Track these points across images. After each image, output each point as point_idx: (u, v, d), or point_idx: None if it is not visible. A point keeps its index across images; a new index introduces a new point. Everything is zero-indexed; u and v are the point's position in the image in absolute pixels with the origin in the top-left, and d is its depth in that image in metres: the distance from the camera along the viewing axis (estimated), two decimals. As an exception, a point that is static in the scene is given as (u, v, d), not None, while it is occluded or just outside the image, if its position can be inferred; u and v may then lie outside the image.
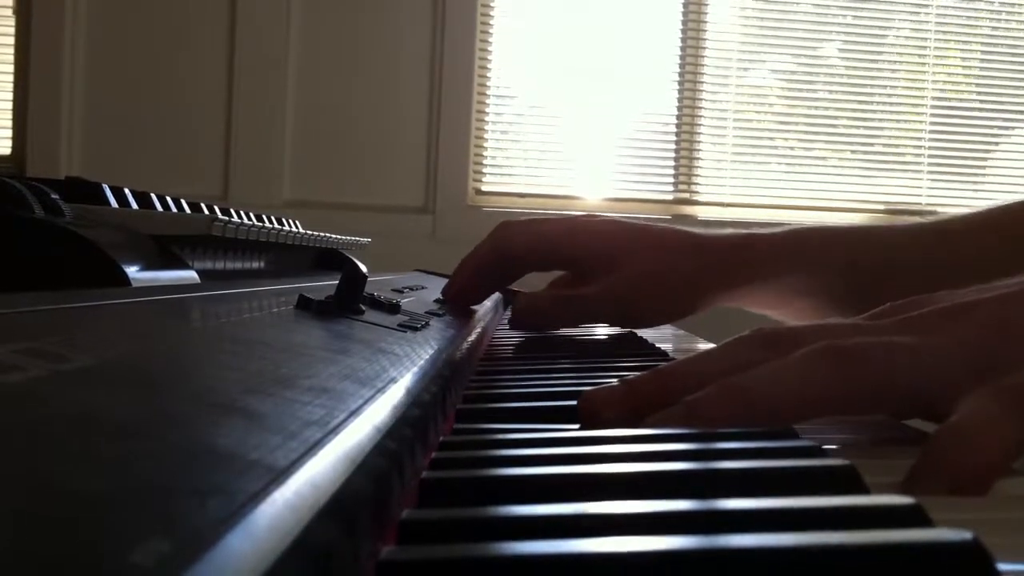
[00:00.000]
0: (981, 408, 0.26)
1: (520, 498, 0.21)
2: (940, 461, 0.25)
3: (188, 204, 0.59)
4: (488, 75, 2.03)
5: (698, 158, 2.06)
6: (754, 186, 2.07)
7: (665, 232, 0.62)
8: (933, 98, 2.13)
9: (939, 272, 0.55)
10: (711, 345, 0.62)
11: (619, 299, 0.59)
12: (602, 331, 0.74)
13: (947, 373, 0.28)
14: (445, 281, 0.64)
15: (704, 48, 2.08)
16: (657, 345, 0.59)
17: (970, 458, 0.25)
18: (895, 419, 0.33)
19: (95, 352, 0.19)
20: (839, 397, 0.29)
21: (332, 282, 0.42)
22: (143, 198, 0.56)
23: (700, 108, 2.06)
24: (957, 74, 2.15)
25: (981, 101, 2.14)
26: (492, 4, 2.02)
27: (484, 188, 1.95)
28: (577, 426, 0.31)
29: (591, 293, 0.59)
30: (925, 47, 2.10)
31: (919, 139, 2.12)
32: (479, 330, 0.57)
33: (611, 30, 2.08)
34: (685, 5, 2.08)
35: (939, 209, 2.09)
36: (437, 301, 0.61)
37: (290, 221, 0.75)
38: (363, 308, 0.41)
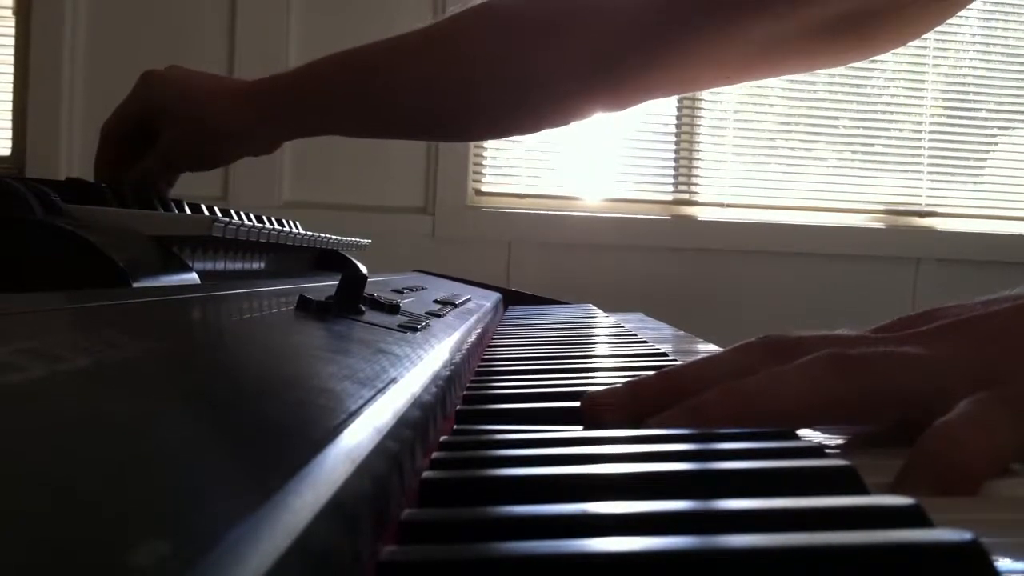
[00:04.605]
0: (974, 411, 0.26)
1: (521, 498, 0.21)
2: (928, 458, 0.25)
3: (188, 205, 0.59)
4: (488, 75, 2.02)
5: (698, 158, 2.06)
6: (754, 186, 2.07)
7: (210, 81, 0.70)
8: (933, 98, 2.13)
9: None
10: (711, 346, 0.62)
11: (176, 148, 0.68)
12: (602, 331, 0.74)
13: (948, 383, 0.28)
14: (445, 282, 0.64)
15: (704, 48, 2.07)
16: (656, 346, 0.59)
17: (957, 456, 0.25)
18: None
19: (95, 353, 0.19)
20: (841, 403, 0.29)
21: (332, 283, 0.42)
22: (143, 199, 0.56)
23: (700, 108, 2.06)
24: (957, 74, 2.15)
25: (981, 101, 2.14)
26: (492, 4, 2.02)
27: (484, 189, 1.95)
28: (578, 427, 0.31)
29: (151, 159, 0.69)
30: (925, 47, 2.10)
31: (919, 140, 2.12)
32: (479, 330, 0.57)
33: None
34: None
35: (939, 209, 2.09)
36: (437, 301, 0.61)
37: (290, 222, 0.75)
38: (363, 309, 0.41)
